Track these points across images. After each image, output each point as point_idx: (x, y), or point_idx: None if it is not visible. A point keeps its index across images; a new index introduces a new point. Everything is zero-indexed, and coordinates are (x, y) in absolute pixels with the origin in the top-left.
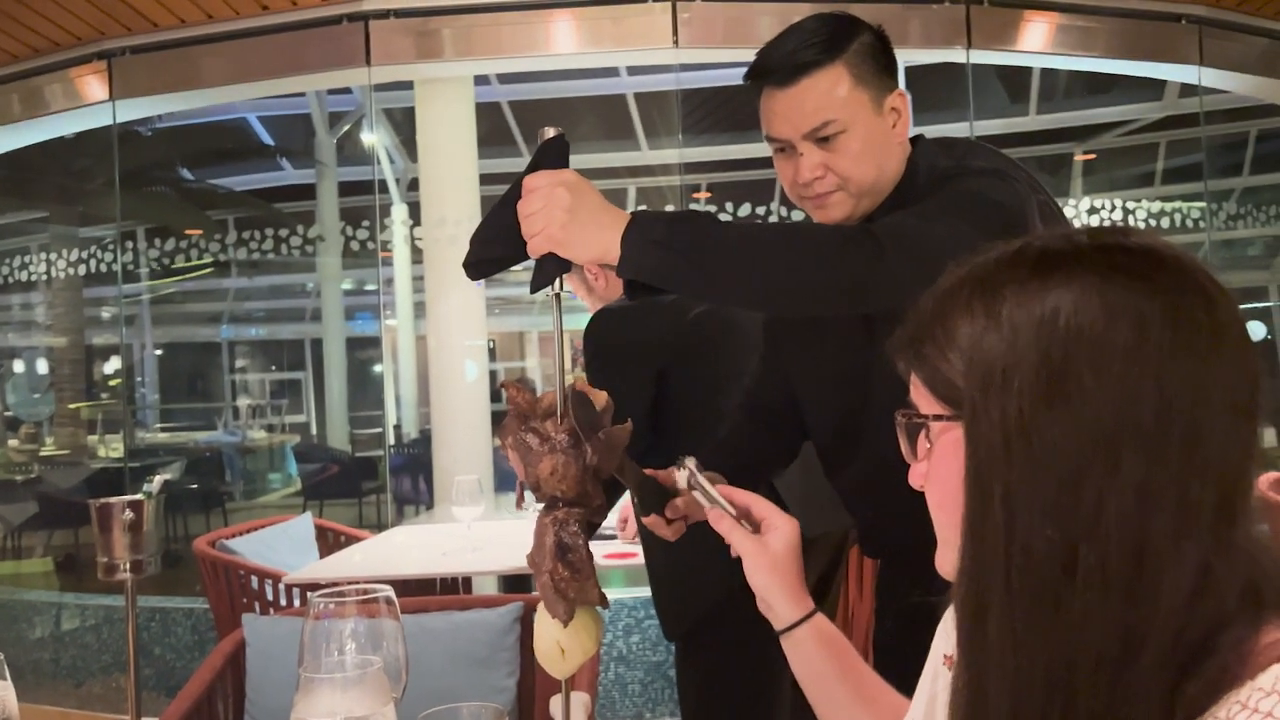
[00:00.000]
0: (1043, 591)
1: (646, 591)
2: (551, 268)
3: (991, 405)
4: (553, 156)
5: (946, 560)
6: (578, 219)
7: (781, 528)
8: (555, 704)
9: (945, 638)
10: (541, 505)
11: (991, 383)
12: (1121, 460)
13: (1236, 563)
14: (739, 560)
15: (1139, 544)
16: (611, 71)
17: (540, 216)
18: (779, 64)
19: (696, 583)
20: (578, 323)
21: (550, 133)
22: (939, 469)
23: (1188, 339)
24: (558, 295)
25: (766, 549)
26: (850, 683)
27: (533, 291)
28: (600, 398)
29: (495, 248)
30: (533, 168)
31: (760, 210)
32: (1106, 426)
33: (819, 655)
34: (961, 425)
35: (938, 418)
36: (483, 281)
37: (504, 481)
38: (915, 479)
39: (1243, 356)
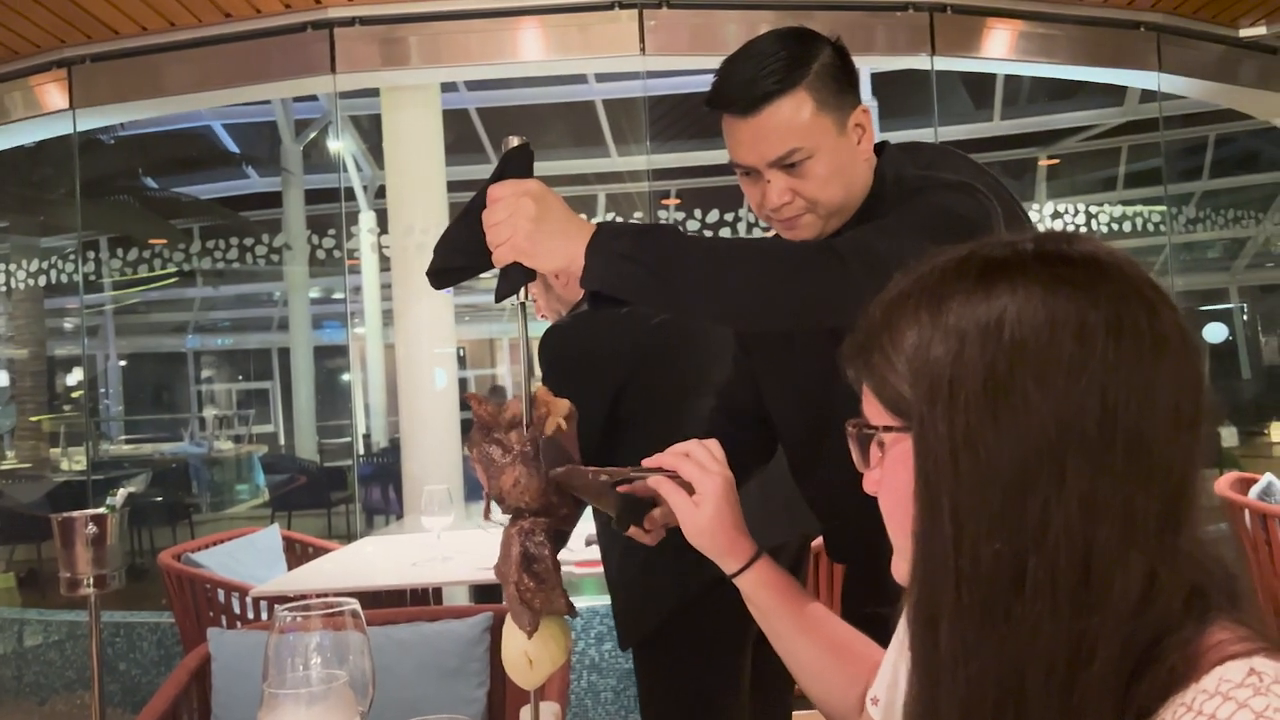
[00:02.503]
0: (992, 602)
1: None
2: (516, 277)
3: (939, 418)
4: (517, 166)
5: (900, 568)
6: (543, 229)
7: (706, 492)
8: (525, 715)
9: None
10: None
11: (938, 395)
12: (1066, 471)
13: (1182, 568)
14: (694, 566)
15: (1086, 554)
16: (579, 78)
17: (505, 226)
18: (739, 94)
19: (651, 590)
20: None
21: (514, 142)
22: (890, 478)
23: (1130, 349)
24: (522, 304)
25: (696, 514)
26: (802, 626)
27: (498, 300)
28: (562, 405)
29: (459, 256)
30: (497, 177)
31: (729, 216)
32: (1050, 437)
33: (763, 600)
34: (910, 436)
35: (887, 429)
36: (451, 289)
37: (474, 490)
38: (869, 485)
39: (1185, 365)
